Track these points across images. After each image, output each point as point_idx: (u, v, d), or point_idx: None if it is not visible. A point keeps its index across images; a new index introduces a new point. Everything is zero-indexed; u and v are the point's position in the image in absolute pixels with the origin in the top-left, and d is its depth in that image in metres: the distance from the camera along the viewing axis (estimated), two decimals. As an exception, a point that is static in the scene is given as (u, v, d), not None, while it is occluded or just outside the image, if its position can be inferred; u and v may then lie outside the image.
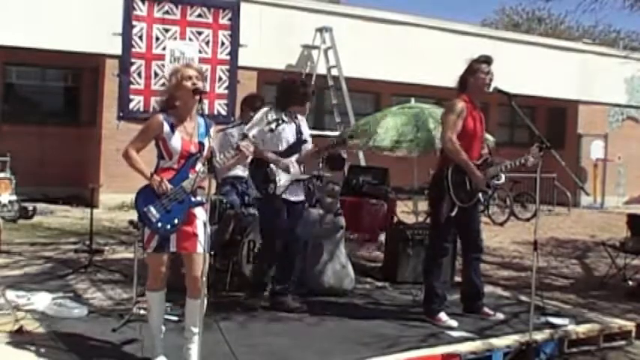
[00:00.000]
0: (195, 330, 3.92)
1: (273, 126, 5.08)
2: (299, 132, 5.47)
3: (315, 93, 5.78)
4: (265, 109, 5.47)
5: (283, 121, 5.20)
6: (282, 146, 5.38)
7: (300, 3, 14.63)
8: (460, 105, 5.36)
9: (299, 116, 5.54)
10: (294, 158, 5.42)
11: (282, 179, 5.33)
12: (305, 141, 5.53)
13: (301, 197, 5.52)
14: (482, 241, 5.76)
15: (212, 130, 4.16)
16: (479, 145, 5.49)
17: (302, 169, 5.48)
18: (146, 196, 3.98)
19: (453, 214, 5.31)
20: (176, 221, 3.96)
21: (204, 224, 3.92)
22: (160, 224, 3.94)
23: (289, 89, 5.49)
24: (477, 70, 5.42)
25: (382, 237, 7.83)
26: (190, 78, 3.99)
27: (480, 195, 5.53)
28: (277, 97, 5.54)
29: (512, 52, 16.41)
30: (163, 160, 4.05)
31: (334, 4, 17.69)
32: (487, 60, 5.45)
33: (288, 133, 5.38)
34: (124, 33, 12.66)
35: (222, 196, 6.29)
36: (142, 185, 4.04)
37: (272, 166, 5.31)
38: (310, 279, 6.13)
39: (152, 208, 3.95)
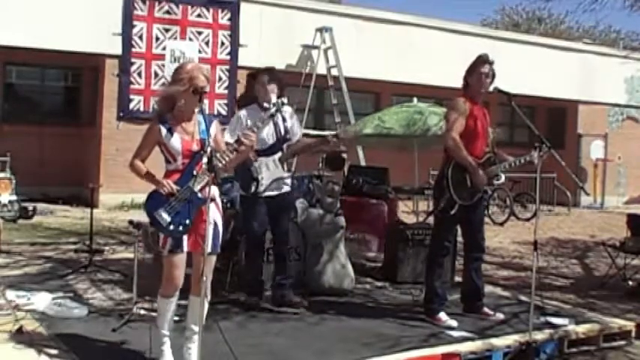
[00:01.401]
0: (196, 329, 3.92)
1: (273, 111, 4.96)
2: (280, 130, 5.40)
3: (272, 70, 5.60)
4: (240, 112, 5.42)
5: (284, 104, 5.06)
6: (262, 145, 5.28)
7: (300, 3, 14.64)
8: (461, 103, 5.37)
9: (285, 109, 5.40)
10: (276, 157, 5.40)
11: (265, 178, 5.33)
12: (287, 139, 5.47)
13: (284, 189, 5.49)
14: (484, 241, 5.74)
15: (214, 125, 4.08)
16: (482, 144, 5.46)
17: (284, 167, 5.47)
18: (155, 200, 3.96)
19: (453, 212, 5.31)
20: (187, 222, 3.94)
21: (216, 224, 3.92)
22: (171, 227, 3.92)
23: (252, 81, 5.50)
24: (475, 71, 5.42)
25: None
26: (202, 88, 3.94)
27: (488, 190, 5.49)
28: (245, 94, 5.54)
29: (512, 52, 16.41)
30: (169, 163, 4.04)
31: (334, 4, 17.69)
32: (486, 60, 5.44)
33: (267, 130, 5.31)
34: (124, 33, 12.67)
35: (222, 196, 6.28)
36: (143, 186, 4.03)
37: (255, 164, 5.28)
38: (310, 279, 6.13)
39: (162, 212, 3.92)
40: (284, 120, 5.45)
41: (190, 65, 4.09)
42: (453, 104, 5.44)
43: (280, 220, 5.55)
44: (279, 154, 5.43)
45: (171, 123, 4.00)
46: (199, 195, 3.97)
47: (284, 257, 5.60)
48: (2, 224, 8.18)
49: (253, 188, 5.31)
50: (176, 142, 3.97)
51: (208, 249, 3.92)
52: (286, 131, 5.46)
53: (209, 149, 3.82)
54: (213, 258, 4.05)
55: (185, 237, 3.97)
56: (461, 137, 5.30)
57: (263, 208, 5.42)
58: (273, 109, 4.86)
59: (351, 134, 5.91)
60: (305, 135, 5.73)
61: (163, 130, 3.98)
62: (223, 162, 3.94)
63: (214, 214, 3.99)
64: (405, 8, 34.37)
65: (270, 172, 5.37)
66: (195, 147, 4.01)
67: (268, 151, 5.36)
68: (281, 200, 5.50)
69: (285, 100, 4.94)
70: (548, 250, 10.09)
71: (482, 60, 5.44)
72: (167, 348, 4.11)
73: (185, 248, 4.00)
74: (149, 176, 4.00)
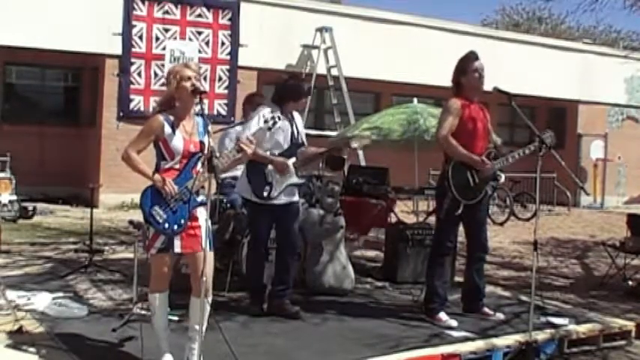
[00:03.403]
0: (198, 328, 3.91)
1: (270, 124, 5.03)
2: (294, 134, 5.32)
3: (311, 89, 5.66)
4: (261, 109, 5.33)
5: (279, 118, 5.14)
6: (277, 149, 5.23)
7: (300, 3, 14.64)
8: (456, 104, 5.34)
9: (295, 115, 5.39)
10: (290, 162, 5.28)
11: (279, 182, 5.21)
12: (302, 144, 5.40)
13: (295, 198, 5.40)
14: (487, 241, 5.73)
15: (209, 129, 4.07)
16: (482, 143, 5.44)
17: (297, 173, 5.34)
18: (151, 197, 3.94)
19: (458, 212, 5.29)
20: (182, 221, 3.93)
21: (206, 222, 3.91)
22: (167, 225, 3.91)
23: (282, 87, 5.38)
24: (468, 69, 5.38)
25: (381, 235, 7.84)
26: (189, 78, 3.97)
27: (488, 189, 5.45)
28: (272, 97, 5.42)
29: (512, 52, 16.42)
30: (165, 160, 4.01)
31: (335, 4, 17.69)
32: (475, 56, 5.41)
33: (283, 134, 5.25)
34: (124, 33, 12.68)
35: (222, 196, 6.28)
36: (143, 185, 4.00)
37: (270, 167, 5.20)
38: (310, 279, 6.13)
39: (158, 209, 3.91)
40: (296, 127, 5.38)
41: (176, 65, 4.24)
42: (446, 106, 5.42)
43: (289, 229, 5.38)
44: (294, 159, 5.31)
45: (173, 121, 4.00)
46: (197, 198, 3.97)
47: (288, 267, 5.42)
48: (2, 224, 8.17)
49: (266, 193, 5.19)
50: (178, 141, 3.97)
51: (208, 248, 3.92)
52: (300, 136, 5.40)
53: (209, 150, 3.83)
54: (212, 257, 4.04)
55: (178, 238, 3.95)
56: (460, 138, 5.29)
57: (270, 215, 5.29)
58: (270, 123, 4.94)
59: (364, 143, 5.89)
60: (305, 135, 5.70)
61: (167, 128, 3.97)
62: (221, 165, 3.94)
63: (203, 213, 3.98)
64: (405, 8, 34.35)
65: (284, 177, 5.24)
66: (193, 148, 4.01)
67: (283, 154, 5.25)
68: (290, 209, 5.36)
69: (281, 115, 5.16)
70: (548, 250, 10.09)
71: (472, 57, 5.40)
72: (166, 346, 4.10)
73: (178, 250, 3.98)
74: (145, 171, 3.97)
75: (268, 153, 5.21)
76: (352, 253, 7.82)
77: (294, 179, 5.31)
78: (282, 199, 5.26)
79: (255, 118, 5.25)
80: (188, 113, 4.05)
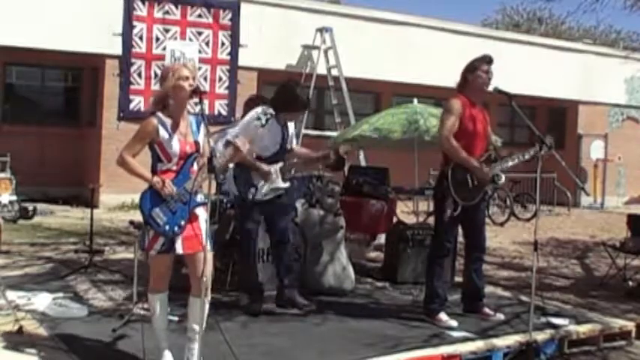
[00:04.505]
0: (197, 329, 3.90)
1: (263, 121, 5.05)
2: (283, 139, 5.36)
3: (309, 103, 5.74)
4: (257, 110, 5.35)
5: (272, 115, 5.18)
6: (266, 153, 5.29)
7: (300, 3, 14.65)
8: (457, 104, 5.34)
9: (287, 122, 5.45)
10: (277, 166, 5.33)
11: (264, 186, 5.27)
12: (289, 150, 5.46)
13: (282, 197, 5.44)
14: (485, 242, 5.73)
15: (202, 127, 4.07)
16: (482, 144, 5.44)
17: (285, 178, 5.38)
18: (150, 198, 3.93)
19: (457, 213, 5.29)
20: (182, 222, 3.93)
21: (206, 222, 3.91)
22: (167, 227, 3.91)
23: (281, 95, 5.39)
24: (476, 68, 5.39)
25: (382, 237, 7.85)
26: (187, 78, 3.97)
27: (488, 190, 5.44)
28: (274, 98, 5.44)
29: (512, 52, 16.41)
30: (161, 162, 3.99)
31: (335, 4, 17.70)
32: (488, 59, 5.43)
33: (272, 138, 5.29)
34: (124, 33, 12.69)
35: (222, 196, 6.28)
36: (144, 186, 3.99)
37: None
38: (310, 279, 6.12)
39: (158, 211, 3.91)
40: (287, 129, 5.42)
41: (174, 64, 4.19)
42: (448, 106, 5.42)
43: (277, 221, 5.45)
44: (281, 163, 5.35)
45: (168, 123, 3.98)
46: (196, 198, 3.97)
47: (288, 257, 5.49)
48: (2, 224, 8.17)
49: (251, 196, 5.26)
50: (175, 144, 3.95)
51: (209, 248, 3.92)
52: (290, 141, 5.46)
53: (210, 150, 3.82)
54: (211, 257, 4.04)
55: (178, 238, 3.95)
56: (460, 138, 5.28)
57: (257, 213, 5.35)
58: (263, 120, 5.02)
59: (348, 148, 5.87)
60: (305, 135, 5.74)
61: (162, 131, 3.94)
62: (218, 165, 3.93)
63: (203, 214, 3.99)
64: (405, 8, 34.37)
65: (270, 180, 5.29)
66: (189, 149, 4.00)
67: (271, 158, 5.30)
68: (276, 202, 5.40)
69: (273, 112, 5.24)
70: (549, 250, 10.09)
71: (485, 59, 5.42)
72: (165, 347, 4.09)
73: (179, 250, 3.97)
74: (142, 174, 3.96)
75: (254, 155, 5.24)
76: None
77: (279, 184, 5.35)
78: (268, 196, 5.31)
79: (247, 119, 5.30)
80: (182, 113, 4.04)
